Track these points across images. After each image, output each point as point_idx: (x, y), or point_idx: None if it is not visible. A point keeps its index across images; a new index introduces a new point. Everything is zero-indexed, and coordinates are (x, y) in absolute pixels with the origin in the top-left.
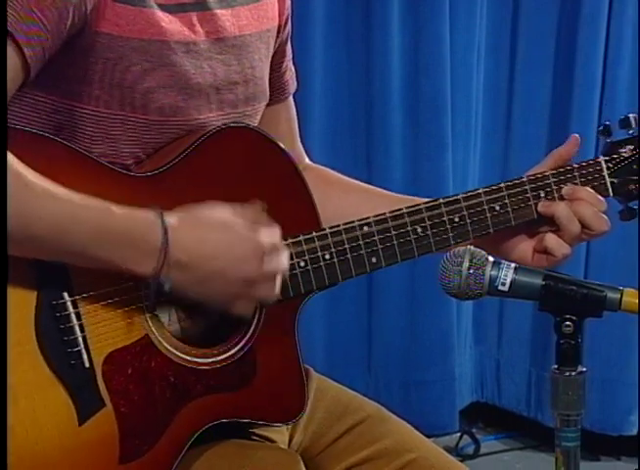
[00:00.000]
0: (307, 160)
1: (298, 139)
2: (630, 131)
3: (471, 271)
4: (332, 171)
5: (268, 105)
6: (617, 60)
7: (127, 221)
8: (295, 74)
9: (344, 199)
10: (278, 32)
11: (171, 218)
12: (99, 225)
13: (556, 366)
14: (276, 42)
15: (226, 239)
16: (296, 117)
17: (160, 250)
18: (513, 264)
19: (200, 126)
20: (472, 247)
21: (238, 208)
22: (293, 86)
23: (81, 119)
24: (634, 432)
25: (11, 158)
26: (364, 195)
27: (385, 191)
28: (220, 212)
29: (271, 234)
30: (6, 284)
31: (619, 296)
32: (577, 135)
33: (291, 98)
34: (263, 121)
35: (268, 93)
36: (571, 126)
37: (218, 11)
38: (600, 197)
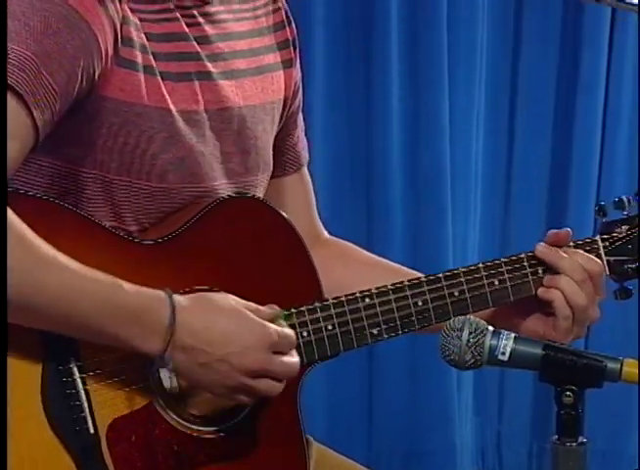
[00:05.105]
0: (326, 233)
1: (316, 212)
2: (625, 212)
3: (471, 341)
4: (356, 248)
5: (282, 176)
6: (616, 124)
7: (136, 298)
8: (307, 146)
9: (375, 278)
10: (284, 104)
11: (181, 299)
12: (107, 299)
13: (556, 437)
14: (283, 114)
15: (235, 327)
16: (312, 190)
17: (166, 329)
18: (513, 334)
19: (204, 194)
20: (471, 316)
21: (252, 305)
22: (305, 158)
23: (85, 184)
24: None
25: (18, 223)
26: (394, 275)
27: (410, 270)
28: (232, 301)
29: (285, 333)
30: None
31: (620, 366)
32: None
33: (305, 169)
34: (277, 193)
35: (272, 165)
36: (570, 190)
37: (222, 82)
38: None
